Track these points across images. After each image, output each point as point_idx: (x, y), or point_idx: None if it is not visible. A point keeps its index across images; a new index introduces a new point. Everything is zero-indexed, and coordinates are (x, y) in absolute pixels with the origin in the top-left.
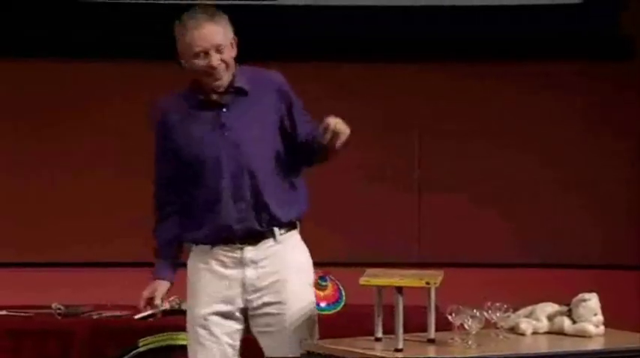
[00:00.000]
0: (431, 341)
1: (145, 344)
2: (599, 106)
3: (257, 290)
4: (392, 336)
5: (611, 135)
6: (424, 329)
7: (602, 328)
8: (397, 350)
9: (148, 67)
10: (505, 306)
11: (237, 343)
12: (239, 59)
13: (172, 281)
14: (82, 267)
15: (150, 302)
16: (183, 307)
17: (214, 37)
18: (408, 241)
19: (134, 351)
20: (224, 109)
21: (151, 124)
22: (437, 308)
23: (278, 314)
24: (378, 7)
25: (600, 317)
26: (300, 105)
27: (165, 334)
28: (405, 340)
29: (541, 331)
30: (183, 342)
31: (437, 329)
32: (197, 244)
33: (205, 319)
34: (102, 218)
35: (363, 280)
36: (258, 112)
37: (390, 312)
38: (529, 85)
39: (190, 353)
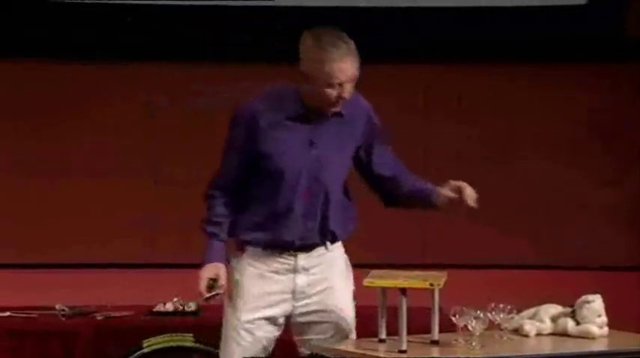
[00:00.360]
0: (435, 342)
1: (149, 345)
2: (603, 108)
3: (306, 296)
4: (396, 337)
5: (614, 136)
6: (428, 330)
7: (605, 329)
8: (401, 352)
9: (147, 67)
10: (509, 308)
11: (272, 346)
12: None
13: (225, 264)
14: (84, 268)
15: (212, 284)
16: (187, 308)
17: (353, 71)
18: (412, 243)
19: (138, 352)
20: (317, 127)
21: (236, 120)
22: (440, 309)
23: (324, 322)
24: (377, 8)
25: (604, 319)
26: (383, 135)
27: (169, 335)
28: (408, 341)
29: (545, 332)
30: (187, 343)
31: (441, 331)
32: (250, 245)
33: (252, 323)
34: (103, 218)
35: (367, 281)
36: (347, 137)
37: (393, 313)
38: (532, 86)
39: (224, 353)
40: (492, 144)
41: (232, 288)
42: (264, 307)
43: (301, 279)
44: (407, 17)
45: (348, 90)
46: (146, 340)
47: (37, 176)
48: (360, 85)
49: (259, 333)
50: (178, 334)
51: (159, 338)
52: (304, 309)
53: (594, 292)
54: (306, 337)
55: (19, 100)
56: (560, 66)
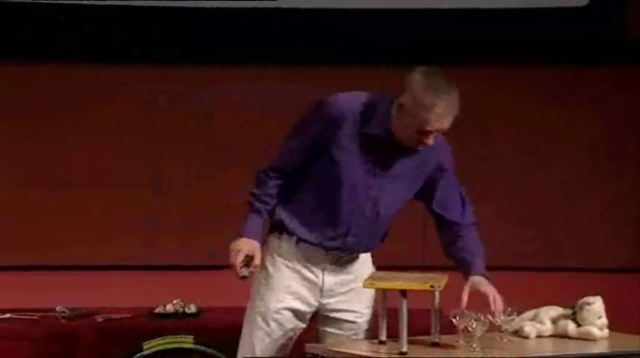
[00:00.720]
0: (435, 344)
1: (150, 347)
2: (605, 110)
3: (334, 294)
4: (396, 339)
5: (615, 139)
6: (428, 332)
7: (606, 331)
8: (402, 354)
9: (148, 68)
10: (509, 309)
11: (295, 339)
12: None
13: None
14: (84, 270)
15: (246, 261)
16: (187, 310)
17: (448, 124)
18: (413, 244)
19: (138, 354)
20: (393, 153)
21: (319, 112)
22: (441, 311)
23: (350, 321)
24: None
25: (605, 321)
26: (452, 175)
27: (169, 337)
28: (409, 343)
29: (545, 334)
30: (187, 345)
31: (441, 333)
32: (287, 233)
33: (279, 313)
34: (103, 220)
35: (367, 283)
36: (416, 171)
37: (394, 315)
38: (533, 89)
39: (245, 345)
40: (495, 147)
41: (263, 275)
42: (293, 299)
43: (329, 279)
44: (408, 19)
45: (434, 138)
46: (146, 342)
47: (36, 177)
48: (361, 88)
49: (288, 325)
50: (179, 336)
51: (159, 340)
52: (330, 306)
53: (595, 294)
54: (327, 330)
55: (19, 101)
56: (560, 68)
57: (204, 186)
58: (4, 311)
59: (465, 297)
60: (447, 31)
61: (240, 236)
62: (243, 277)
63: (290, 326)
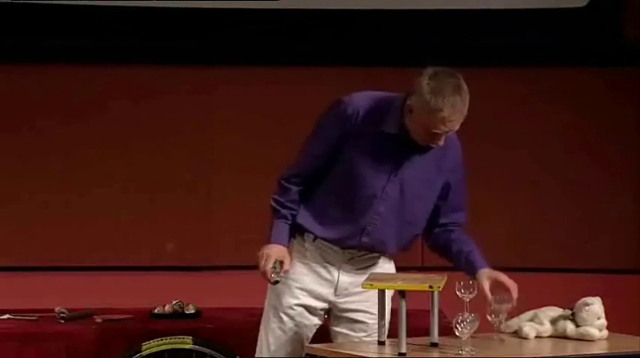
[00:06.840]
0: (434, 345)
1: (148, 347)
2: (603, 113)
3: (349, 294)
4: (395, 340)
5: (615, 141)
6: (427, 333)
7: (605, 332)
8: (401, 354)
9: (155, 70)
10: (505, 297)
11: (311, 336)
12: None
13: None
14: (83, 271)
15: (276, 266)
16: (186, 311)
17: (456, 127)
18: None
19: (137, 355)
20: (407, 153)
21: (335, 112)
22: (440, 312)
23: (362, 322)
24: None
25: (604, 322)
26: (463, 177)
27: (168, 338)
28: (408, 344)
29: (544, 335)
30: (186, 346)
31: (440, 334)
32: (303, 232)
33: (292, 309)
34: (102, 221)
35: (365, 284)
36: (433, 170)
37: (393, 316)
38: (531, 90)
39: (261, 336)
40: (494, 148)
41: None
42: (306, 296)
43: (345, 277)
44: (410, 20)
45: (442, 139)
46: (145, 343)
47: (35, 179)
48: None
49: (302, 322)
50: (178, 337)
51: (158, 341)
52: (344, 306)
53: (594, 295)
54: (339, 330)
55: (19, 100)
56: (559, 71)
57: (203, 189)
58: (3, 312)
59: (487, 291)
60: (445, 32)
61: (269, 242)
62: (275, 282)
63: (304, 321)
